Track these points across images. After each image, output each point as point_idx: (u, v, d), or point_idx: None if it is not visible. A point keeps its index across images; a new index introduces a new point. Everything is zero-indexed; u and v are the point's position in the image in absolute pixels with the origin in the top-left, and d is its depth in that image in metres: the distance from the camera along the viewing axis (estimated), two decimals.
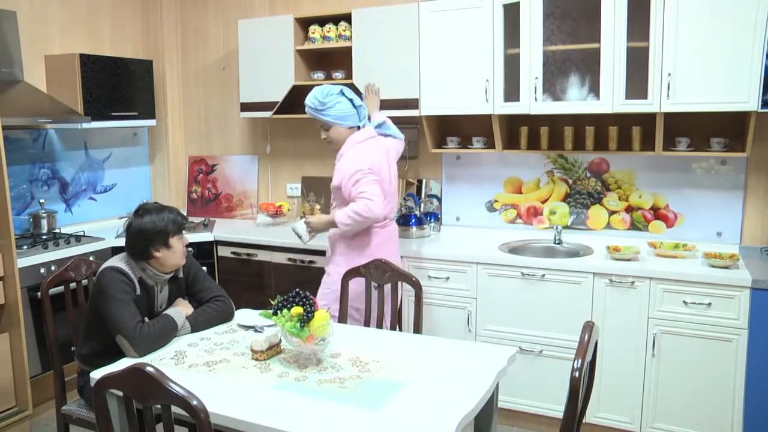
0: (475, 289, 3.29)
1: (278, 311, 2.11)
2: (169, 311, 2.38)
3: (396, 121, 3.89)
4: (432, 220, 3.86)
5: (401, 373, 2.04)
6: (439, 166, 3.92)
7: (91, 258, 3.29)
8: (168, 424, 1.66)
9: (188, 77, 4.72)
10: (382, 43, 3.59)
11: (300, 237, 3.08)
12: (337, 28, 3.81)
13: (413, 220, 3.74)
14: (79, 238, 3.75)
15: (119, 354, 2.23)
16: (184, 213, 4.30)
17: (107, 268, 2.34)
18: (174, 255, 2.41)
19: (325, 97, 2.94)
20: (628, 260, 3.06)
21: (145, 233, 2.34)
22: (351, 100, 3.00)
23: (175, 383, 1.56)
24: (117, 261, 2.39)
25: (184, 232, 2.46)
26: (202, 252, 3.94)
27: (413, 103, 3.55)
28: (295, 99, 4.00)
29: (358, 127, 3.04)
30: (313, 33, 3.87)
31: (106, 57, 4.04)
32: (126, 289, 2.30)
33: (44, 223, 3.84)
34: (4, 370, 3.20)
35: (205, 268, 3.00)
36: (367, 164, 2.89)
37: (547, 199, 3.66)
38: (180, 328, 2.37)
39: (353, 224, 2.86)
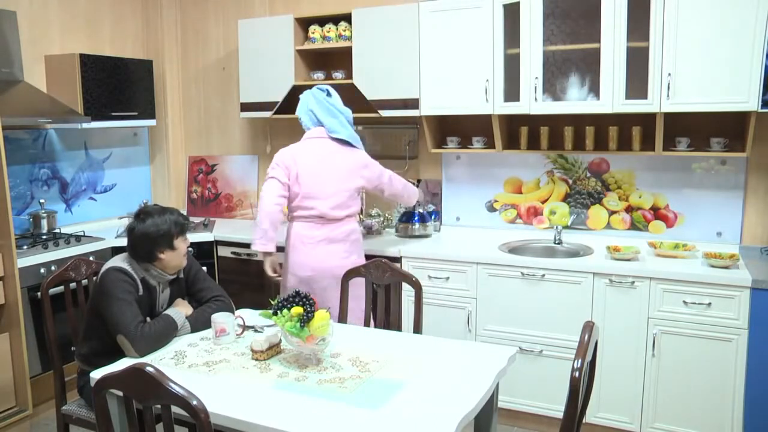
0: (475, 289, 3.29)
1: (278, 311, 2.11)
2: (169, 311, 2.38)
3: (396, 121, 3.90)
4: (435, 218, 3.86)
5: (401, 373, 2.04)
6: (439, 166, 3.92)
7: (91, 258, 3.28)
8: (168, 424, 1.66)
9: (188, 77, 4.72)
10: (382, 43, 3.59)
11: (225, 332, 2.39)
12: (337, 28, 3.81)
13: (416, 218, 3.74)
14: (79, 238, 3.75)
15: (119, 354, 2.23)
16: (184, 213, 4.30)
17: (110, 268, 2.34)
18: (178, 256, 2.42)
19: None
20: (628, 260, 3.06)
21: (150, 236, 2.34)
22: (307, 103, 3.14)
23: (175, 383, 1.56)
24: (119, 261, 2.39)
25: (186, 232, 2.46)
26: (202, 252, 3.94)
27: (413, 103, 3.54)
28: (295, 99, 3.99)
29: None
30: (313, 33, 3.87)
31: (106, 57, 4.04)
32: (129, 289, 2.30)
33: (44, 223, 3.84)
34: (4, 370, 3.20)
35: (205, 268, 3.00)
36: (275, 161, 3.08)
37: (547, 199, 3.66)
38: (180, 328, 2.37)
39: (258, 231, 3.03)
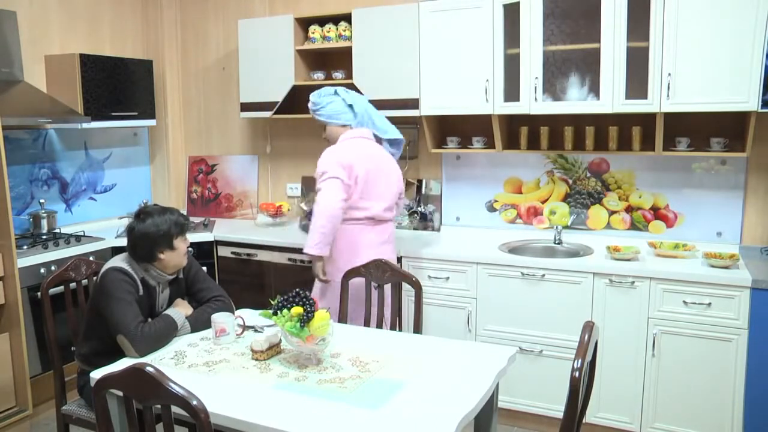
0: (475, 289, 3.29)
1: (278, 311, 2.11)
2: (169, 311, 2.38)
3: (396, 121, 3.89)
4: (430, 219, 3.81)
5: (401, 373, 2.04)
6: (439, 166, 3.92)
7: (91, 258, 3.29)
8: (168, 424, 1.66)
9: (188, 77, 4.72)
10: (382, 43, 3.59)
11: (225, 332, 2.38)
12: (337, 28, 3.81)
13: None
14: (79, 238, 3.75)
15: (119, 354, 2.23)
16: (184, 213, 4.29)
17: (111, 268, 2.34)
18: (178, 256, 2.42)
19: (320, 97, 3.07)
20: (628, 260, 3.06)
21: (150, 236, 2.34)
22: (344, 99, 3.06)
23: (175, 383, 1.56)
24: (119, 261, 2.39)
25: (186, 233, 2.46)
26: (202, 252, 3.94)
27: (413, 103, 3.54)
28: (295, 99, 4.00)
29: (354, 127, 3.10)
30: (313, 33, 3.87)
31: (106, 57, 4.04)
32: (129, 290, 2.30)
33: (44, 223, 3.84)
34: (4, 370, 3.20)
35: (205, 268, 3.00)
36: (335, 161, 2.90)
37: (547, 199, 3.66)
38: (180, 328, 2.37)
39: (318, 235, 2.84)
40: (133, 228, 2.38)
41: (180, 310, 2.42)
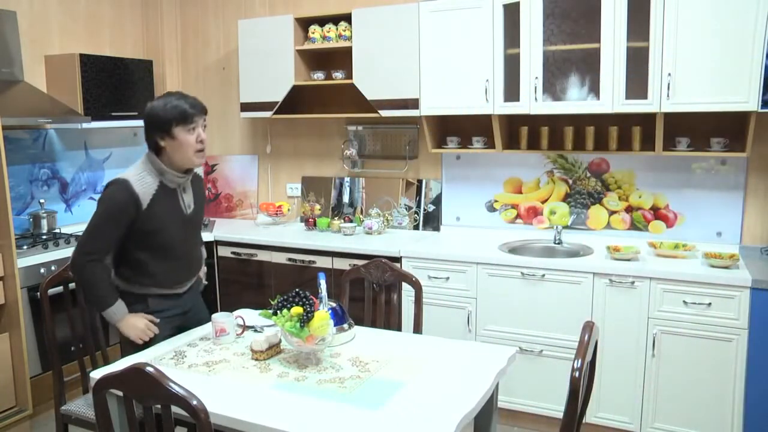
0: (475, 289, 3.29)
1: (278, 311, 2.11)
2: (116, 309, 2.26)
3: (396, 120, 3.90)
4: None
5: (401, 373, 2.04)
6: (439, 166, 3.92)
7: None
8: (168, 423, 1.65)
9: (188, 77, 4.72)
10: (382, 43, 3.59)
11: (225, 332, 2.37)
12: (337, 28, 3.81)
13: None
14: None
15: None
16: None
17: (119, 179, 2.25)
18: (180, 148, 2.25)
19: None
20: (628, 260, 3.06)
21: (150, 117, 2.26)
22: None
23: (175, 383, 1.56)
24: (135, 168, 2.30)
25: (195, 124, 2.27)
26: None
27: (413, 103, 3.54)
28: (295, 99, 4.00)
29: None
30: (313, 33, 3.87)
31: (106, 57, 4.04)
32: (120, 211, 2.20)
33: (44, 223, 3.84)
34: (4, 370, 3.20)
35: (205, 268, 2.99)
36: None
37: (547, 199, 3.66)
38: (105, 314, 2.27)
39: None
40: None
41: (129, 320, 2.28)
